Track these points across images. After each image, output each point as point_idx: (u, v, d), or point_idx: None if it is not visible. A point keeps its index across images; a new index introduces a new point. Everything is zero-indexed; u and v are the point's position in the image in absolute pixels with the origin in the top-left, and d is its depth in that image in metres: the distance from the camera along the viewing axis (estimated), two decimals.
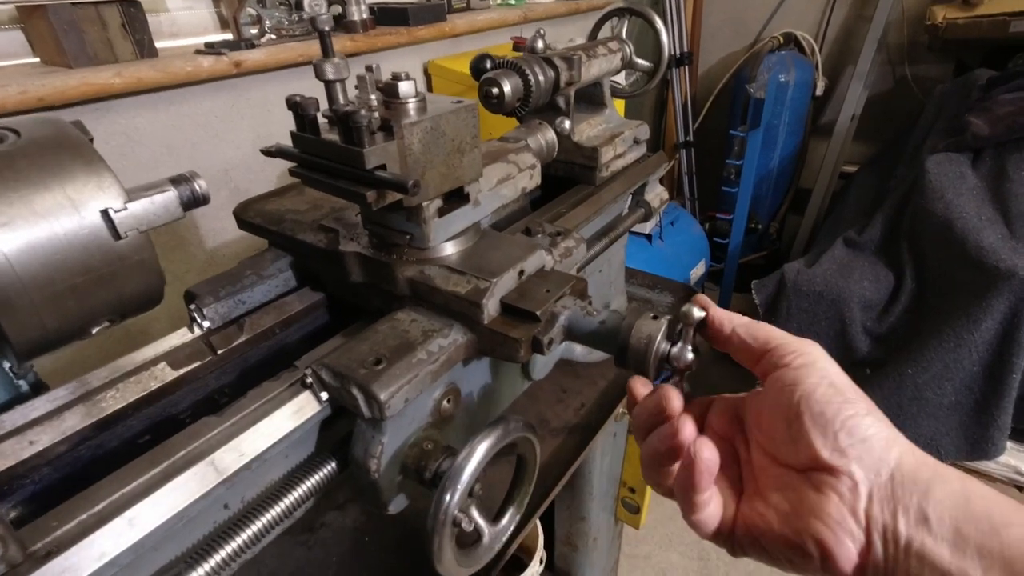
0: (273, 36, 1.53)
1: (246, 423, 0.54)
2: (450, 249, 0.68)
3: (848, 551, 0.39)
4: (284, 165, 1.13)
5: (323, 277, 0.76)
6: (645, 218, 1.18)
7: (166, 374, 0.61)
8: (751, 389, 0.51)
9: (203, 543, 0.53)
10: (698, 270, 2.85)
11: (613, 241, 1.05)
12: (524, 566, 1.47)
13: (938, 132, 2.28)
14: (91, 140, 0.46)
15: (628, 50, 1.09)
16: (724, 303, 3.16)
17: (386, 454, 0.58)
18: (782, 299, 2.17)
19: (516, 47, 1.98)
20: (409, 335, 0.60)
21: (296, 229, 0.76)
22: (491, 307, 0.60)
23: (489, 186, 0.73)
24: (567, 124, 0.93)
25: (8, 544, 0.41)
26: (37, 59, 1.28)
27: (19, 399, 0.67)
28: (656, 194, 1.20)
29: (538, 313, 0.59)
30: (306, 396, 0.57)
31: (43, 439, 0.53)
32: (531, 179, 0.81)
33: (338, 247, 0.70)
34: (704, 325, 0.51)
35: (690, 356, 0.52)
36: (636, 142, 1.11)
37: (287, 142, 0.63)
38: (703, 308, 0.51)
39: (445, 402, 0.64)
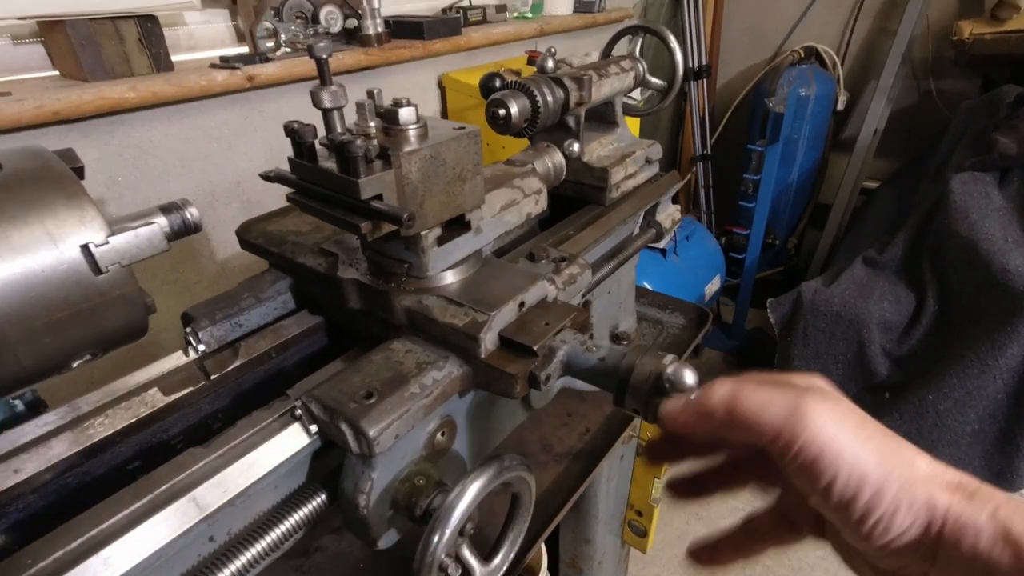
0: (288, 49, 1.54)
1: (233, 455, 0.53)
2: (450, 278, 0.66)
3: None
4: None
5: (322, 301, 0.75)
6: (656, 239, 1.15)
7: (157, 400, 0.61)
8: None
9: None
10: (713, 285, 2.81)
11: (622, 263, 1.03)
12: None
13: (964, 150, 2.22)
14: (81, 168, 0.45)
15: (641, 68, 1.07)
16: (740, 318, 3.11)
17: (376, 490, 0.56)
18: (798, 319, 2.12)
19: (531, 60, 1.97)
20: (403, 367, 0.59)
21: (296, 252, 0.75)
22: (488, 341, 0.58)
23: (492, 213, 0.71)
24: (576, 147, 0.92)
25: None
26: (56, 72, 1.30)
27: (15, 419, 0.66)
28: (668, 214, 1.17)
29: (535, 348, 0.58)
30: (295, 428, 0.56)
31: (28, 467, 0.53)
32: (536, 204, 0.79)
33: (336, 273, 0.68)
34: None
35: (691, 378, 0.49)
36: (648, 161, 1.09)
37: None
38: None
39: (439, 435, 0.62)
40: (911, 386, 1.89)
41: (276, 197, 1.60)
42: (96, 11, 1.17)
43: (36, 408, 0.72)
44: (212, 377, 0.65)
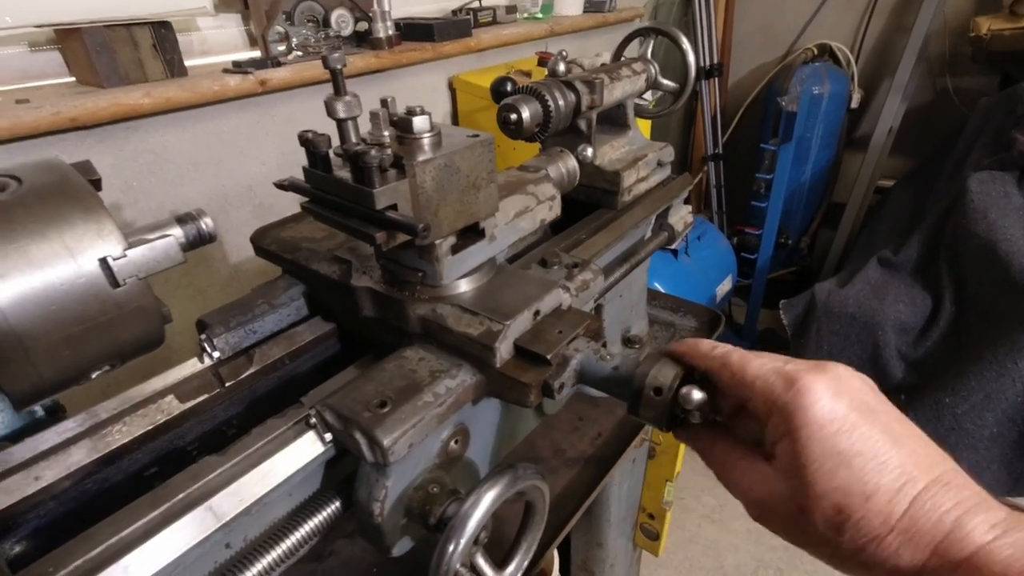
0: (300, 53, 1.55)
1: (248, 464, 0.53)
2: (464, 287, 0.66)
3: None
4: None
5: (335, 309, 0.75)
6: (668, 242, 1.15)
7: (173, 407, 0.61)
8: None
9: None
10: (724, 286, 2.79)
11: (634, 267, 1.02)
12: None
13: (982, 148, 2.18)
14: (98, 180, 0.45)
15: (653, 71, 1.06)
16: (751, 319, 3.08)
17: (390, 498, 0.56)
18: (812, 320, 2.10)
19: (541, 62, 1.96)
20: (416, 375, 0.59)
21: (310, 259, 0.75)
22: (503, 350, 0.58)
23: (506, 220, 0.71)
24: (589, 152, 0.91)
25: None
26: (73, 79, 1.31)
27: (34, 425, 0.67)
28: (680, 217, 1.16)
29: (549, 357, 0.57)
30: (310, 436, 0.56)
31: (48, 475, 0.53)
32: (551, 210, 0.79)
33: (350, 281, 0.69)
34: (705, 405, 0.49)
35: (697, 396, 0.50)
36: (660, 164, 1.09)
37: None
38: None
39: (453, 443, 0.62)
40: (927, 389, 1.87)
41: (288, 201, 1.61)
42: (111, 18, 1.19)
43: (56, 414, 0.72)
44: (227, 384, 0.65)
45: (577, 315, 0.64)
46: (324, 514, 0.59)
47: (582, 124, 0.95)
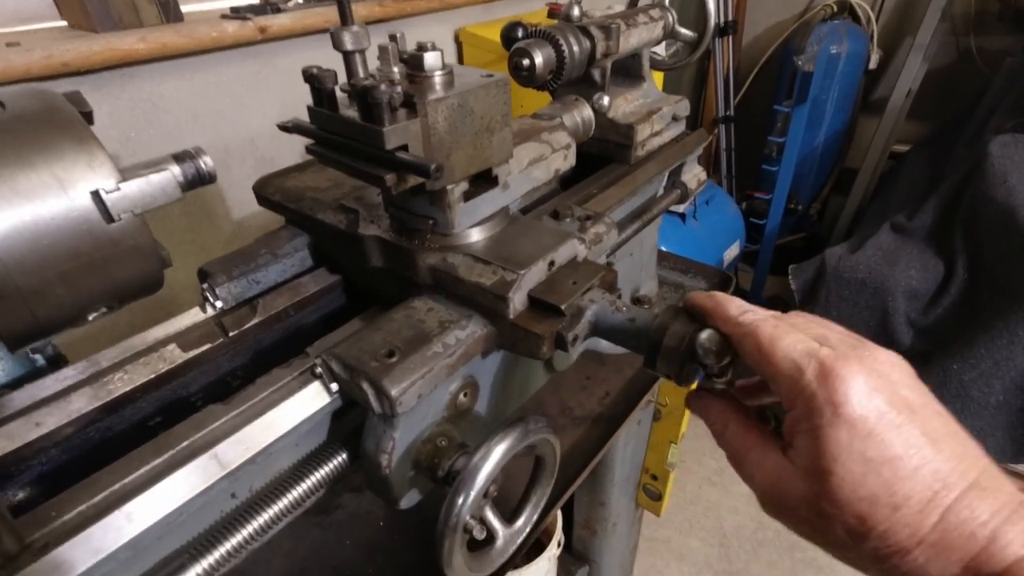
0: (300, 0, 1.48)
1: (253, 413, 0.52)
2: (476, 236, 0.64)
3: None
4: None
5: (341, 260, 0.73)
6: (681, 200, 1.11)
7: (176, 356, 0.60)
8: None
9: (209, 532, 0.52)
10: (732, 251, 2.75)
11: (646, 224, 1.00)
12: (542, 547, 1.46)
13: (1005, 111, 2.11)
14: (89, 112, 0.42)
15: (671, 18, 1.01)
16: (758, 286, 3.06)
17: (398, 450, 0.55)
18: (821, 286, 2.08)
19: (551, 13, 1.88)
20: (425, 326, 0.57)
21: (315, 208, 0.73)
22: (517, 301, 0.56)
23: (520, 168, 0.68)
24: (606, 100, 0.87)
25: (3, 536, 0.40)
26: (64, 23, 1.26)
27: (35, 374, 0.66)
28: (694, 175, 1.13)
29: (563, 307, 0.55)
30: (316, 387, 0.55)
31: (49, 421, 0.52)
32: (565, 160, 0.76)
33: (357, 230, 0.66)
34: (724, 351, 0.47)
35: (712, 335, 0.47)
36: (675, 119, 1.04)
37: None
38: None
39: (462, 395, 0.61)
40: (935, 356, 1.85)
41: (291, 155, 1.57)
42: None
43: (57, 363, 0.71)
44: (230, 334, 0.64)
45: (591, 266, 0.62)
46: (331, 466, 0.58)
47: (596, 74, 0.91)
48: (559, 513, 1.53)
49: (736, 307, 0.47)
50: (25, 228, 0.34)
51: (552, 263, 0.60)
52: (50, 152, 0.34)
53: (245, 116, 1.46)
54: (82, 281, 0.37)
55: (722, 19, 2.92)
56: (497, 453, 0.51)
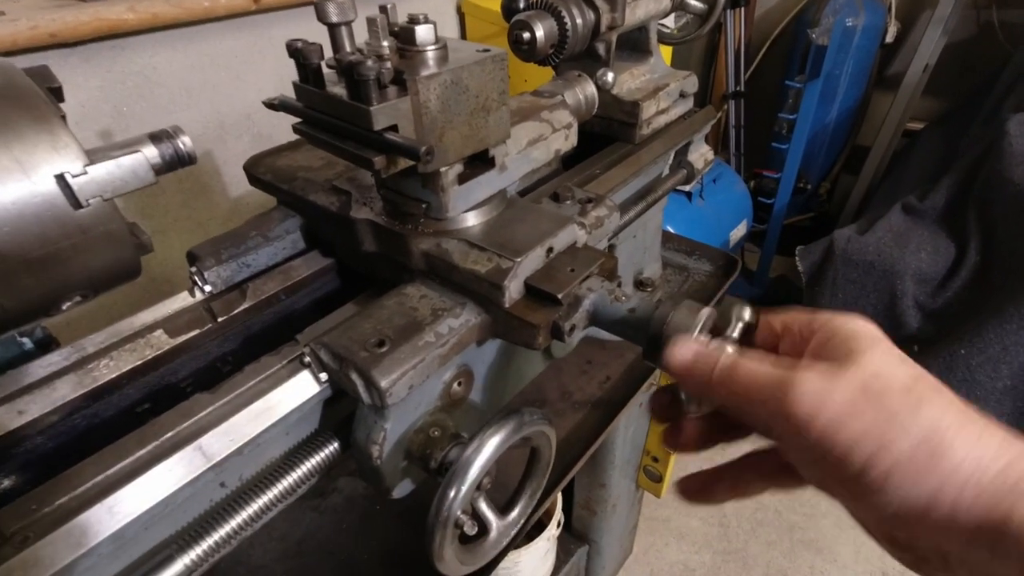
0: None
1: (240, 402, 0.51)
2: (471, 220, 0.61)
3: None
4: None
5: (334, 243, 0.71)
6: (687, 180, 1.08)
7: (163, 342, 0.58)
8: None
9: (200, 522, 0.51)
10: (739, 231, 2.71)
11: (650, 206, 0.97)
12: (542, 527, 1.47)
13: None
14: (58, 88, 0.40)
15: None
16: (765, 266, 3.02)
17: (389, 440, 0.54)
18: (828, 268, 2.04)
19: None
20: (417, 314, 0.55)
21: (307, 189, 0.70)
22: (513, 289, 0.54)
23: (518, 148, 0.65)
24: (610, 77, 0.83)
25: None
26: None
27: (23, 358, 0.65)
28: (700, 154, 1.09)
29: (560, 296, 0.53)
30: (305, 376, 0.53)
31: (32, 408, 0.51)
32: (566, 140, 0.73)
33: (349, 212, 0.64)
34: (752, 331, 0.44)
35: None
36: (683, 95, 1.01)
37: None
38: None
39: (456, 384, 0.60)
40: (942, 340, 1.83)
41: (289, 131, 1.53)
42: None
43: (47, 346, 0.70)
44: (219, 319, 0.62)
45: (591, 253, 0.60)
46: (322, 455, 0.57)
47: (600, 48, 0.87)
48: (559, 494, 1.53)
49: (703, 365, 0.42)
50: None
51: (550, 250, 0.58)
52: (8, 132, 0.32)
53: (241, 90, 1.42)
54: (51, 270, 0.35)
55: None
56: (490, 447, 0.49)
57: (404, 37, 0.53)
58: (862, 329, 0.38)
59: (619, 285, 0.57)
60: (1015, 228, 1.75)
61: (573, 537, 1.68)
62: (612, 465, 1.40)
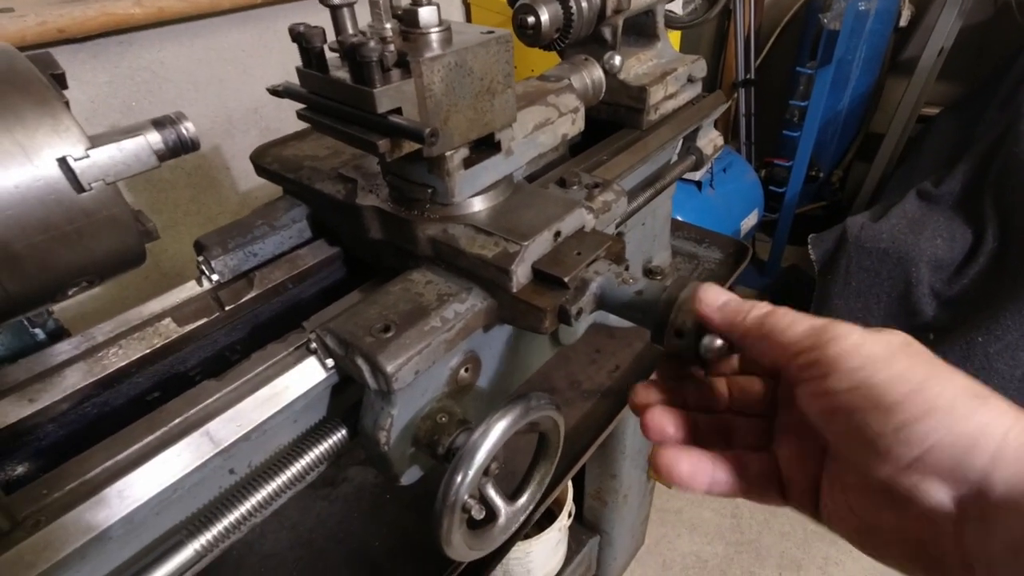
0: None
1: (247, 389, 0.51)
2: (478, 205, 0.61)
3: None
4: None
5: (340, 231, 0.71)
6: (696, 167, 1.07)
7: (171, 331, 0.58)
8: None
9: (209, 508, 0.51)
10: (749, 220, 2.68)
11: (658, 192, 0.96)
12: (553, 517, 1.47)
13: None
14: (61, 75, 0.40)
15: None
16: (776, 255, 2.99)
17: (396, 427, 0.54)
18: (841, 256, 2.02)
19: None
20: (423, 299, 0.55)
21: (313, 178, 0.70)
22: (520, 274, 0.53)
23: (524, 133, 0.64)
24: (617, 60, 0.82)
25: None
26: None
27: (34, 347, 0.66)
28: (710, 140, 1.08)
29: (566, 279, 0.53)
30: (311, 362, 0.53)
31: (43, 397, 0.51)
32: (573, 124, 0.72)
33: (355, 200, 0.64)
34: (725, 354, 0.43)
35: (719, 343, 0.44)
36: (691, 80, 0.99)
37: None
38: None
39: (463, 371, 0.59)
40: (959, 328, 1.80)
41: (296, 123, 1.54)
42: None
43: (59, 337, 0.70)
44: (227, 308, 0.62)
45: (598, 236, 0.59)
46: (330, 442, 0.57)
47: (606, 32, 0.86)
48: (570, 484, 1.53)
49: (736, 309, 0.42)
50: None
51: (558, 234, 0.57)
52: (9, 115, 0.32)
53: (248, 84, 1.42)
54: (55, 254, 0.35)
55: None
56: (496, 431, 0.49)
57: (408, 19, 0.52)
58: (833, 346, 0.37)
59: (627, 268, 0.56)
60: None
61: (584, 528, 1.68)
62: (623, 455, 1.40)
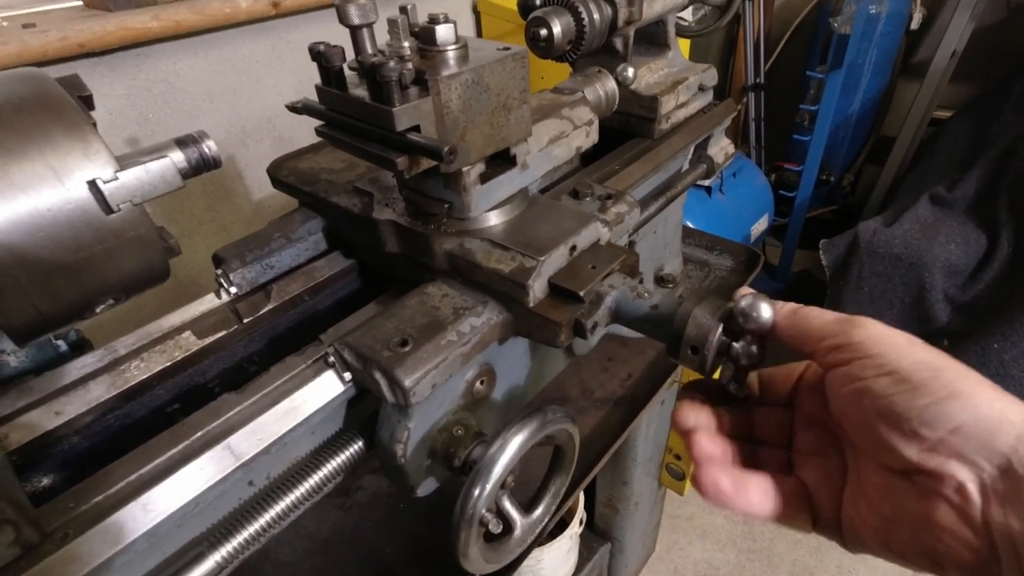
0: None
1: (266, 403, 0.52)
2: (494, 219, 0.61)
3: (966, 565, 0.33)
4: None
5: (356, 243, 0.72)
6: (707, 175, 1.07)
7: (191, 343, 0.59)
8: None
9: (228, 520, 0.52)
10: (760, 225, 2.67)
11: (670, 201, 0.96)
12: (565, 525, 1.47)
13: None
14: (88, 97, 0.41)
15: None
16: (787, 260, 2.97)
17: (413, 439, 0.54)
18: (853, 261, 2.00)
19: None
20: (439, 313, 0.55)
21: (329, 191, 0.71)
22: (537, 288, 0.54)
23: (539, 146, 0.65)
24: (630, 72, 0.82)
25: (22, 526, 0.40)
26: (80, 2, 1.25)
27: (58, 360, 0.67)
28: (721, 148, 1.08)
29: (582, 294, 0.53)
30: (329, 375, 0.54)
31: (69, 409, 0.52)
32: (587, 137, 0.72)
33: (372, 213, 0.64)
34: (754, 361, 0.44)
35: (754, 350, 0.45)
36: (702, 89, 0.99)
37: None
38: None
39: (478, 383, 0.60)
40: (974, 334, 1.78)
41: (309, 133, 1.55)
42: None
43: (81, 348, 0.72)
44: (245, 320, 0.63)
45: (612, 249, 0.59)
46: (347, 453, 0.58)
47: (618, 43, 0.86)
48: (581, 492, 1.53)
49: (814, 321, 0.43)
50: (22, 221, 0.33)
51: (574, 248, 0.58)
52: (43, 140, 0.33)
53: (261, 94, 1.44)
54: (85, 274, 0.36)
55: None
56: (514, 445, 0.49)
57: (425, 37, 0.53)
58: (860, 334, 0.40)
59: (641, 282, 0.56)
60: None
61: (596, 535, 1.68)
62: (634, 463, 1.39)
